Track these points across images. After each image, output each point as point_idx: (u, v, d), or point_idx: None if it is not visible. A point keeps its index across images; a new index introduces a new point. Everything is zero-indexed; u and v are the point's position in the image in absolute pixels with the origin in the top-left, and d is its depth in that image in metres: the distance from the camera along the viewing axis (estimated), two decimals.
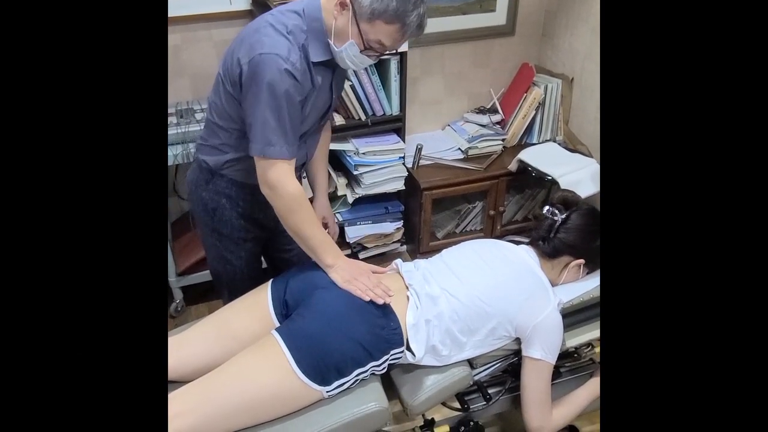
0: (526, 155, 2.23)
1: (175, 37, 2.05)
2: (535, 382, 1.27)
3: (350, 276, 1.24)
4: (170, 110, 2.02)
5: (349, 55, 1.23)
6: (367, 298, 1.20)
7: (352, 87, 2.06)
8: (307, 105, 1.26)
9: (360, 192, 2.24)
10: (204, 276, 2.18)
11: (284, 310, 1.27)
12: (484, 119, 2.49)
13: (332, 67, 1.30)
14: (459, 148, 2.45)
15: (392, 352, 1.20)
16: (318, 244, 1.26)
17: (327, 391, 1.14)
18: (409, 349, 1.23)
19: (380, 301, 1.20)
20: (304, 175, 1.61)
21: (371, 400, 1.16)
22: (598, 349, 1.50)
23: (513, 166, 2.30)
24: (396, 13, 1.15)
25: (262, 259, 1.62)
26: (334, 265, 1.26)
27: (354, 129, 2.18)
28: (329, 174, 1.76)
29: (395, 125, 2.24)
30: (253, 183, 1.26)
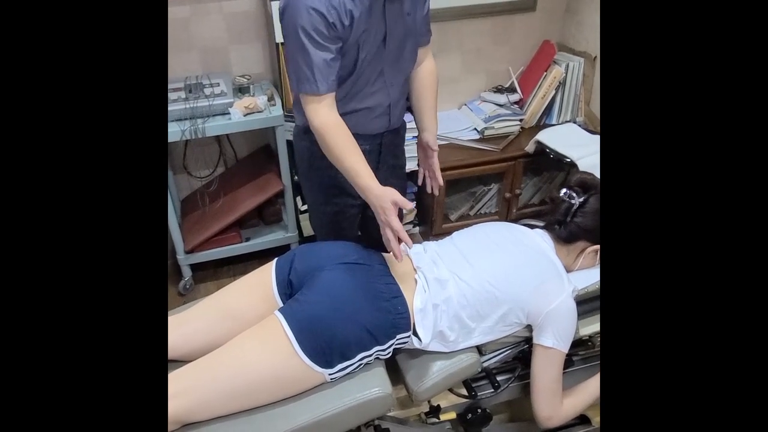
0: (544, 136, 2.17)
1: (184, 9, 2.01)
2: (546, 370, 1.23)
3: (381, 209, 1.19)
4: (179, 85, 1.98)
5: None
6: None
7: None
8: (351, 42, 1.24)
9: None
10: (213, 254, 2.17)
11: (288, 290, 1.24)
12: (502, 99, 2.42)
13: None
14: (475, 128, 2.39)
15: (398, 336, 1.17)
16: (354, 175, 1.24)
17: (330, 374, 1.11)
18: (415, 334, 1.19)
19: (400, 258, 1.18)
20: (392, 123, 1.56)
21: (374, 385, 1.13)
22: None
23: (530, 148, 2.23)
24: None
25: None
26: (366, 195, 1.23)
27: None
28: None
29: (410, 103, 2.17)
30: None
